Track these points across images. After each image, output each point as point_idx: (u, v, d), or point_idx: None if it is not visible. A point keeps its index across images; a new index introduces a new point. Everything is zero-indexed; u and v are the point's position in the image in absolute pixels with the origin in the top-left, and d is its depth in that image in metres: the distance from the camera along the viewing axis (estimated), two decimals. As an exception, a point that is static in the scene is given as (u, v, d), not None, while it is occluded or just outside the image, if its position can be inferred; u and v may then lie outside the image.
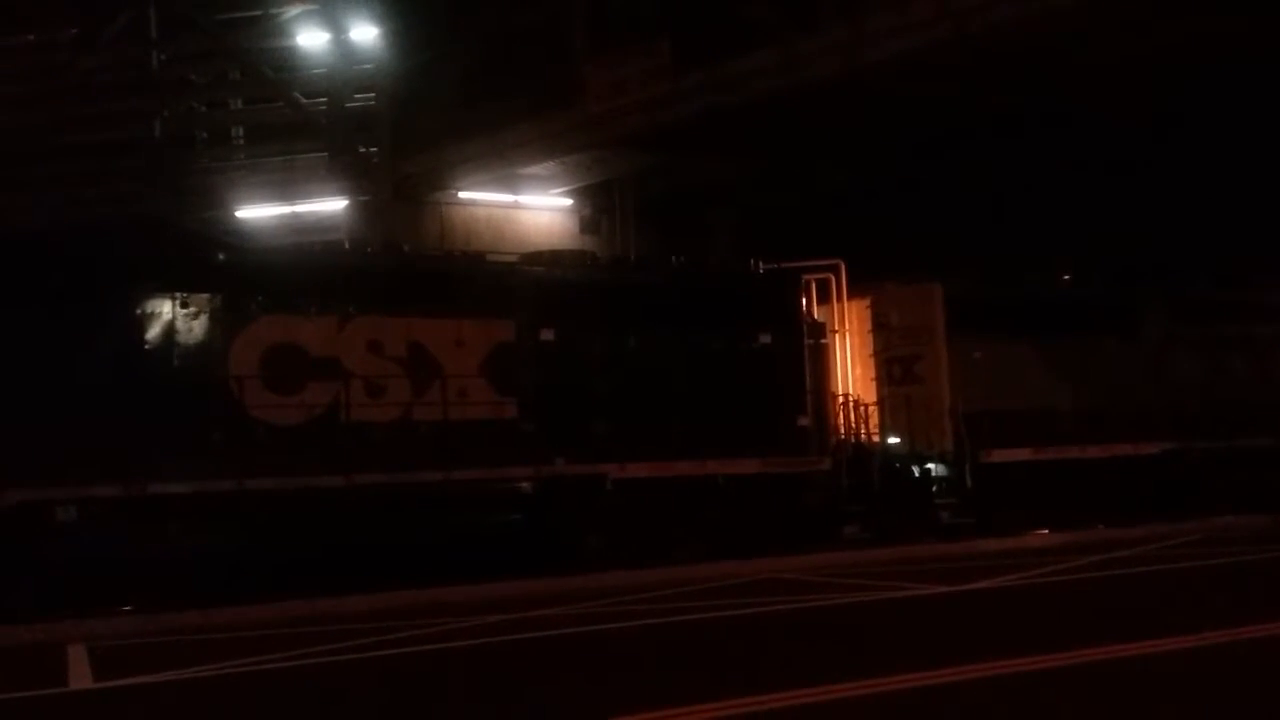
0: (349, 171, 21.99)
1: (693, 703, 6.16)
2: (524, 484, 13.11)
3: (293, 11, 22.83)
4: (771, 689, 6.40)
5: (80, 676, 7.87)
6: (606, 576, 11.97)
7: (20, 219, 20.13)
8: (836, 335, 15.71)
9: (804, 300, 15.17)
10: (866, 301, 16.21)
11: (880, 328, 16.20)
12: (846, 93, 17.79)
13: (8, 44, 23.20)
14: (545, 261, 14.80)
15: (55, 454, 10.82)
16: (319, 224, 22.12)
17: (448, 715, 6.30)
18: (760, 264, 15.22)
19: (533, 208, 22.83)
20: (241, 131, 23.91)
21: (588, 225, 23.03)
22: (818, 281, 15.51)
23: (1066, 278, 18.43)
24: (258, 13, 23.08)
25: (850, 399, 15.65)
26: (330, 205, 22.20)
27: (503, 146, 20.86)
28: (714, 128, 19.27)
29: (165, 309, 11.87)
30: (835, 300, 15.68)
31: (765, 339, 14.69)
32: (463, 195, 22.22)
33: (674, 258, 15.60)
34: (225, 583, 11.12)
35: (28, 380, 10.97)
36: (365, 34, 22.71)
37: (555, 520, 13.12)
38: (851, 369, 15.99)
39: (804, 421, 14.57)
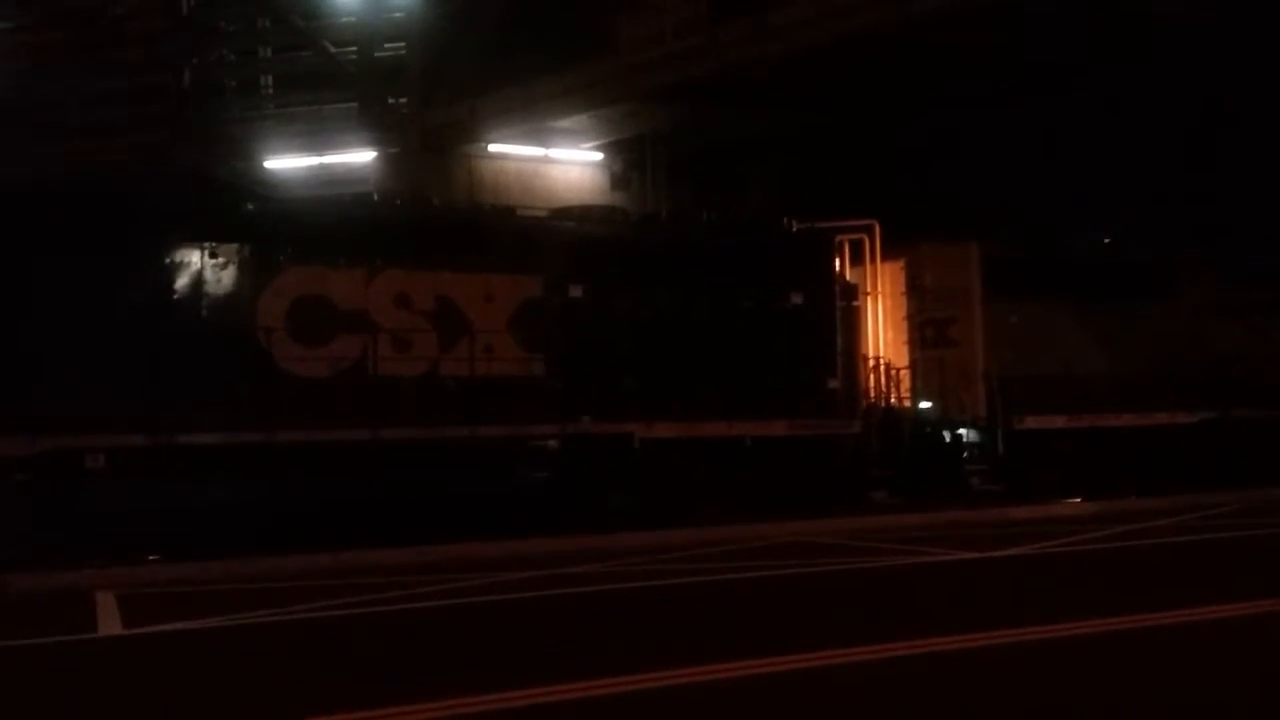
0: (378, 122, 21.84)
1: (715, 661, 6.10)
2: (550, 442, 13.02)
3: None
4: (789, 651, 6.32)
5: (109, 623, 7.92)
6: (632, 536, 11.93)
7: (50, 166, 20.13)
8: (869, 297, 15.47)
9: (837, 261, 14.94)
10: (900, 263, 15.93)
11: (914, 289, 15.94)
12: (888, 44, 17.41)
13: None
14: (575, 217, 14.61)
15: (85, 403, 10.83)
16: (347, 175, 22.03)
17: (469, 669, 6.26)
18: (793, 223, 14.98)
19: (563, 162, 22.62)
20: (271, 80, 23.77)
21: (618, 181, 22.80)
22: (851, 242, 15.25)
23: (1106, 241, 18.05)
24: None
25: (881, 362, 15.45)
26: (359, 156, 22.08)
27: (534, 98, 20.62)
28: (750, 81, 18.95)
29: (194, 259, 11.80)
30: (868, 261, 15.42)
31: (797, 299, 14.48)
32: (492, 148, 22.03)
33: (705, 215, 15.37)
34: (251, 534, 11.14)
35: (58, 329, 10.95)
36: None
37: (581, 479, 13.04)
38: (883, 331, 15.76)
39: (834, 384, 14.38)
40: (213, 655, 7.04)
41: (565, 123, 21.29)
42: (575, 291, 13.43)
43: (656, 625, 7.68)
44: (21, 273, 11.01)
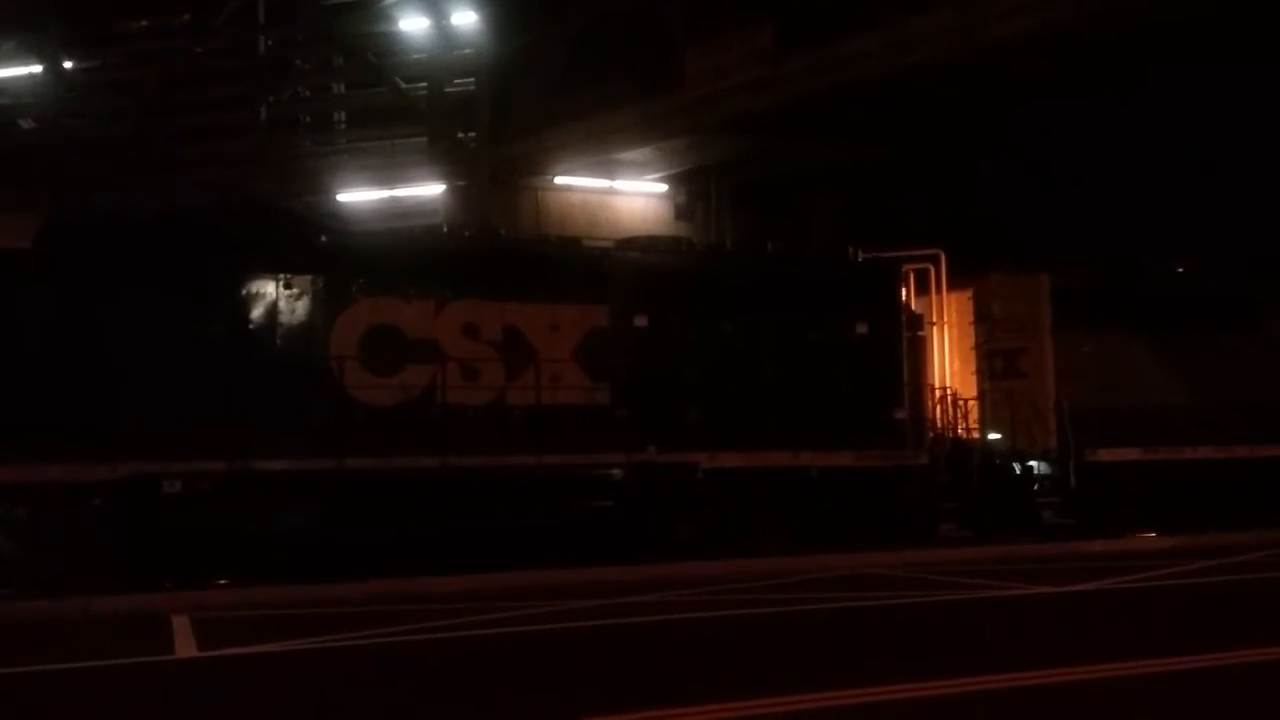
0: (447, 156, 22.22)
1: (787, 693, 6.04)
2: (615, 470, 13.06)
3: (397, -2, 23.13)
4: (858, 685, 6.24)
5: (186, 645, 8.07)
6: (696, 566, 11.90)
7: (133, 200, 20.76)
8: (935, 327, 15.32)
9: (902, 290, 14.83)
10: (968, 293, 15.76)
11: (982, 320, 15.74)
12: (955, 75, 17.32)
13: (126, 29, 23.94)
14: (640, 247, 14.70)
15: (164, 429, 11.11)
16: (417, 208, 22.42)
17: (541, 695, 6.29)
18: (858, 252, 14.92)
19: (628, 193, 22.78)
20: (344, 116, 24.31)
21: (683, 211, 22.90)
22: (917, 272, 15.15)
23: (1180, 269, 17.69)
24: (361, -1, 23.44)
25: (949, 393, 15.27)
26: (428, 189, 22.46)
27: (600, 131, 20.84)
28: (815, 112, 18.97)
29: (269, 290, 12.09)
30: (935, 291, 15.29)
31: (862, 329, 14.39)
32: (558, 180, 22.28)
33: (770, 245, 15.38)
34: (322, 560, 11.30)
35: (139, 358, 11.26)
36: (465, 19, 22.89)
37: (646, 508, 13.05)
38: (951, 362, 15.59)
39: (900, 415, 14.25)
40: (287, 679, 7.14)
41: (630, 155, 21.47)
42: (640, 321, 13.50)
43: (718, 657, 7.64)
44: (105, 303, 11.35)
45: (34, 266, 11.16)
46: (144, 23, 23.99)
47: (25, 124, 24.77)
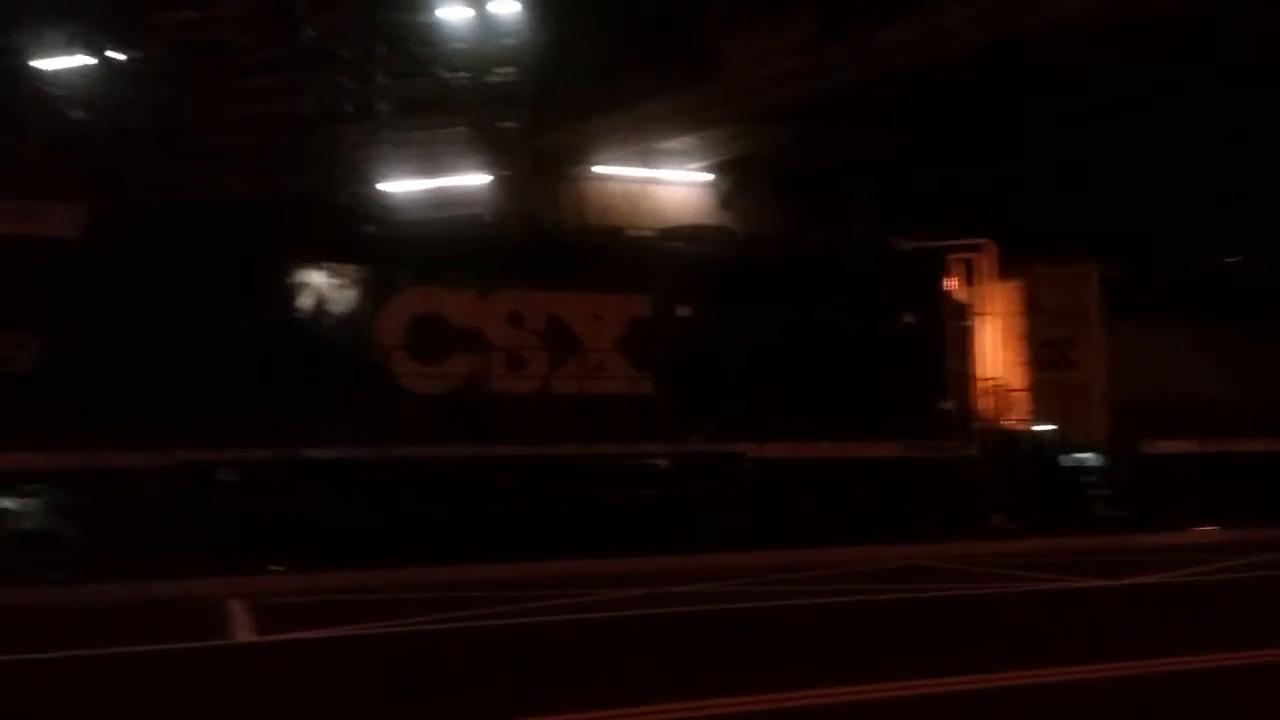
0: (490, 146, 22.29)
1: (831, 685, 6.02)
2: (660, 460, 13.08)
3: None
4: (902, 677, 6.21)
5: (243, 630, 8.17)
6: (741, 556, 11.89)
7: (181, 192, 21.02)
8: (983, 317, 15.18)
9: (949, 280, 14.71)
10: (1016, 283, 15.59)
11: (1030, 310, 15.58)
12: (997, 62, 17.13)
13: (172, 20, 24.20)
14: (683, 237, 14.69)
15: (217, 418, 11.26)
16: (461, 197, 22.50)
17: (604, 680, 6.32)
18: (903, 242, 14.82)
19: (670, 183, 22.75)
20: (387, 106, 24.44)
21: (725, 200, 22.85)
22: (963, 261, 15.01)
23: (1235, 261, 17.41)
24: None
25: (996, 383, 15.13)
26: (472, 179, 22.54)
27: (641, 120, 20.83)
28: (857, 101, 18.84)
29: (316, 279, 12.21)
30: (982, 281, 15.14)
31: (908, 319, 14.31)
32: (601, 170, 22.28)
33: (813, 234, 15.33)
34: (371, 546, 11.41)
35: (192, 346, 11.39)
36: (507, 8, 22.92)
37: (690, 498, 13.06)
38: (998, 352, 15.44)
39: (947, 405, 14.16)
40: (345, 663, 7.22)
41: (672, 144, 21.44)
42: (684, 311, 13.50)
43: (766, 647, 7.63)
44: (157, 292, 11.49)
45: (84, 256, 11.29)
46: (190, 13, 24.22)
47: (75, 115, 25.10)
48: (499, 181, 22.13)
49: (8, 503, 10.76)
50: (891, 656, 7.09)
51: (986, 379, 15.06)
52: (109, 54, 24.48)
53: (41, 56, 24.75)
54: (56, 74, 25.08)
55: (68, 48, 24.55)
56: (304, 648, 7.60)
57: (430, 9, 23.49)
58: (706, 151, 21.75)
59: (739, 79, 19.10)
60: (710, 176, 22.87)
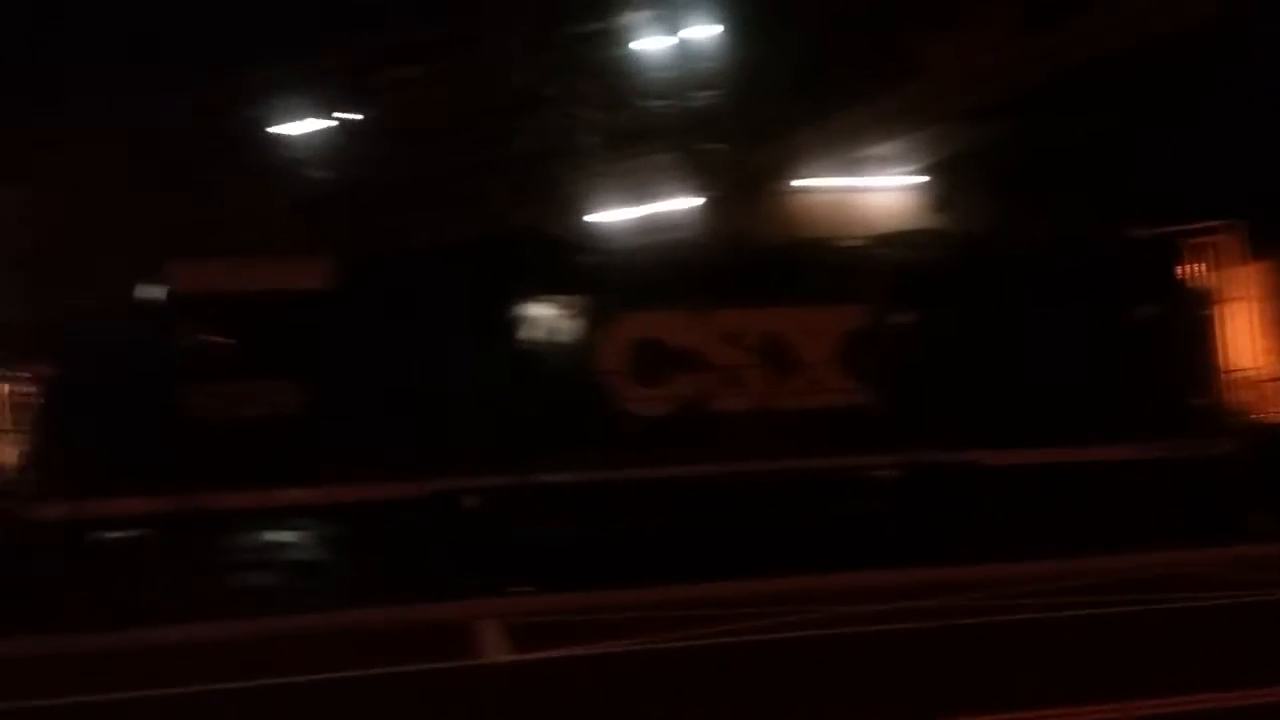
0: (695, 169, 22.64)
1: (1096, 702, 5.86)
2: (885, 472, 12.95)
3: (637, 19, 23.82)
4: (1169, 693, 5.95)
5: (496, 650, 8.66)
6: (978, 569, 11.58)
7: (413, 238, 22.43)
8: (1230, 304, 14.22)
9: (1190, 267, 13.88)
10: (1271, 264, 14.49)
11: (1285, 293, 14.45)
12: (1210, 39, 16.08)
13: (398, 78, 25.90)
14: (895, 243, 14.50)
15: (460, 447, 12.01)
16: (670, 222, 22.97)
17: (837, 701, 6.38)
18: (1135, 230, 14.10)
19: (878, 189, 22.46)
20: (594, 139, 25.23)
21: (938, 203, 22.35)
22: (1205, 246, 14.11)
23: None
24: (604, 25, 24.28)
25: (1249, 374, 14.12)
26: (680, 203, 22.97)
27: (845, 130, 20.70)
28: (1068, 88, 18.09)
29: (542, 312, 12.83)
30: (1227, 265, 14.19)
31: (1146, 311, 13.60)
32: (807, 182, 22.26)
33: (1036, 229, 14.79)
34: (607, 566, 11.84)
35: (440, 379, 12.15)
36: (704, 33, 23.29)
37: (919, 509, 12.85)
38: (1250, 341, 14.41)
39: (1194, 401, 13.34)
40: (597, 681, 7.48)
41: (878, 150, 21.18)
42: (904, 318, 13.34)
43: (1028, 661, 7.45)
44: (399, 332, 12.29)
45: (338, 304, 12.29)
46: (411, 70, 25.83)
47: (316, 175, 27.22)
48: (707, 203, 22.45)
49: (280, 535, 11.81)
50: (1164, 670, 6.78)
51: (1237, 370, 14.09)
52: (342, 115, 26.42)
53: (283, 123, 27.00)
54: (297, 138, 27.30)
55: (306, 113, 26.68)
56: (555, 666, 7.96)
57: (631, 42, 24.15)
58: (914, 155, 21.36)
59: (942, 78, 18.71)
60: (920, 179, 22.44)
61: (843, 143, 20.96)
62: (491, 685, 7.66)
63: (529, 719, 6.60)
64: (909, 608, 9.45)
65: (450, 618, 10.31)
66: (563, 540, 12.09)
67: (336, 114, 26.16)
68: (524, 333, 12.75)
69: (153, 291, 12.16)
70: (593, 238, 19.47)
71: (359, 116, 26.55)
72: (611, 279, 13.30)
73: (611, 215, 23.30)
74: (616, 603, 10.57)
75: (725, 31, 22.86)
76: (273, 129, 26.88)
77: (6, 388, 14.97)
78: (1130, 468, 12.97)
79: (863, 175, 22.12)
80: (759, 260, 14.17)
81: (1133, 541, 12.34)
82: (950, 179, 22.38)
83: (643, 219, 23.22)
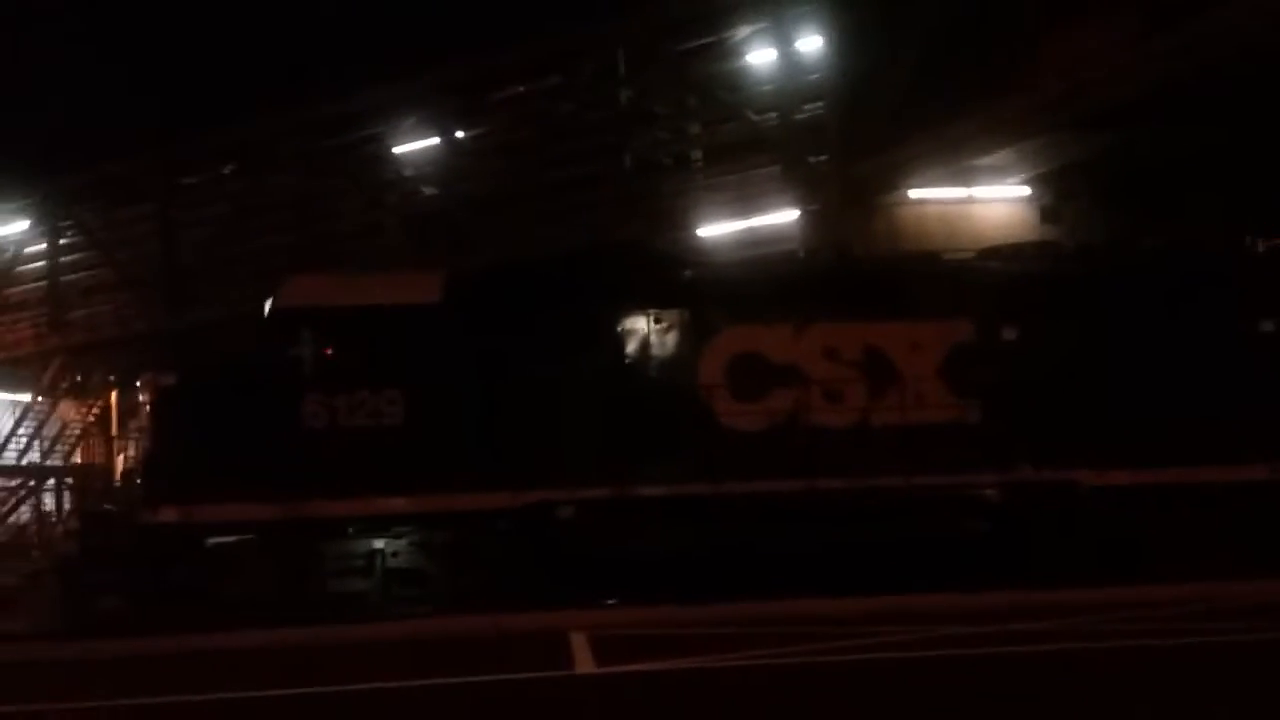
0: (800, 181, 22.49)
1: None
2: (989, 490, 12.63)
3: (743, 33, 23.82)
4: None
5: (585, 661, 8.69)
6: (1083, 592, 11.17)
7: (515, 251, 22.81)
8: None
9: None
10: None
11: None
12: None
13: (506, 96, 26.42)
14: (1004, 255, 14.16)
15: (556, 459, 12.13)
16: (773, 235, 22.86)
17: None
18: (1258, 241, 13.48)
19: (987, 200, 21.94)
20: (700, 154, 25.31)
21: (1048, 214, 21.71)
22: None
23: None
24: (711, 39, 24.33)
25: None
26: (783, 216, 22.84)
27: (953, 139, 20.27)
28: (1184, 96, 17.38)
29: (641, 325, 12.89)
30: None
31: (1268, 326, 12.98)
32: (912, 194, 21.88)
33: (1151, 240, 14.27)
34: (700, 581, 11.79)
35: (538, 393, 12.30)
36: (811, 45, 23.14)
37: (1024, 530, 12.49)
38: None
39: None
40: (681, 696, 7.42)
41: (987, 160, 20.70)
42: (1009, 333, 13.01)
43: (1141, 691, 7.14)
44: (502, 345, 12.47)
45: (441, 318, 12.54)
46: (520, 89, 26.31)
47: (427, 191, 27.93)
48: (810, 216, 22.27)
49: (381, 543, 12.10)
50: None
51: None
52: (454, 133, 27.06)
53: (398, 143, 27.78)
54: (409, 156, 28.05)
55: (419, 131, 27.40)
56: (640, 680, 7.93)
57: (737, 55, 24.16)
58: (1024, 164, 20.80)
59: (1055, 85, 18.17)
60: (1030, 190, 21.85)
61: (950, 153, 20.54)
62: (579, 697, 7.67)
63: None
64: (1013, 631, 9.16)
65: (541, 627, 10.38)
66: (655, 554, 12.08)
67: (448, 132, 26.81)
68: (624, 345, 12.81)
69: (270, 305, 12.61)
70: (694, 251, 19.47)
71: (470, 134, 27.17)
72: (713, 293, 13.29)
73: (714, 229, 23.28)
74: (709, 618, 10.51)
75: (833, 42, 22.67)
76: (390, 147, 27.70)
77: (129, 396, 15.68)
78: (1251, 490, 12.38)
79: (972, 185, 21.63)
80: (862, 274, 14.01)
81: (1249, 567, 11.73)
82: (1061, 189, 21.73)
83: (744, 233, 23.15)
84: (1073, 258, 14.45)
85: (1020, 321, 13.02)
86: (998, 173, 21.30)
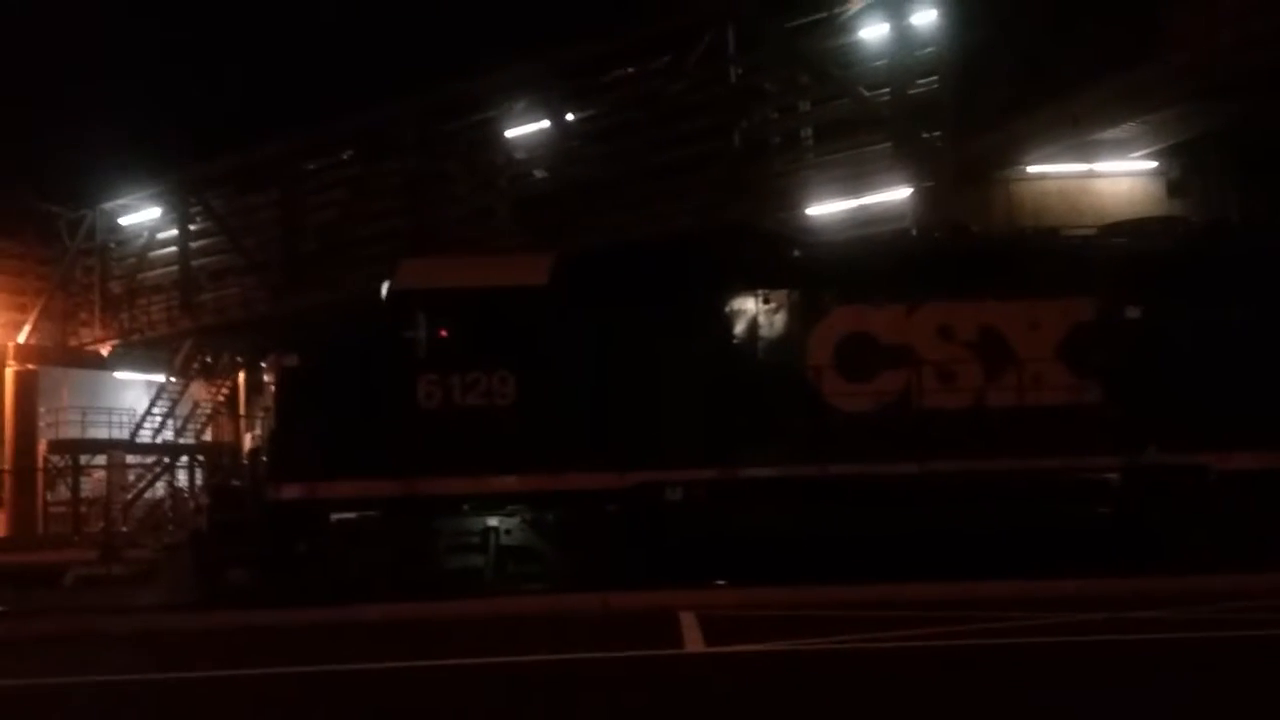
0: (913, 159, 22.03)
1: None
2: (1110, 474, 12.25)
3: (855, 7, 23.38)
4: None
5: (694, 641, 8.77)
6: (1210, 579, 10.79)
7: (630, 233, 22.91)
8: None
9: None
10: None
11: None
12: None
13: (616, 78, 26.48)
14: (1127, 232, 13.69)
15: (665, 440, 12.19)
16: (884, 214, 22.47)
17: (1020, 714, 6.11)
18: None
19: (1110, 175, 21.16)
20: (810, 132, 24.97)
21: (1175, 188, 20.83)
22: None
23: None
24: (822, 15, 23.95)
25: None
26: (895, 194, 22.41)
27: (1074, 112, 19.57)
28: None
29: (750, 305, 12.85)
30: None
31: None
32: (1031, 169, 21.24)
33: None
34: (807, 563, 11.73)
35: (643, 373, 12.37)
36: (925, 18, 22.60)
37: (1147, 515, 12.09)
38: None
39: None
40: (786, 677, 7.48)
41: (1110, 133, 19.94)
42: (1132, 312, 12.59)
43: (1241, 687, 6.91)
44: (611, 325, 12.60)
45: (551, 299, 12.70)
46: (629, 70, 26.33)
47: (538, 174, 28.21)
48: (923, 193, 21.80)
49: (494, 521, 12.35)
50: None
51: None
52: (564, 116, 27.26)
53: (509, 126, 28.10)
54: (521, 139, 28.36)
55: (529, 114, 27.68)
56: (749, 660, 7.99)
57: (849, 31, 23.73)
58: (1151, 137, 19.95)
59: (1183, 54, 17.37)
60: (1156, 164, 20.98)
61: (1072, 126, 19.85)
62: (687, 675, 7.76)
63: (724, 710, 6.64)
64: (1132, 618, 8.91)
65: (650, 606, 10.49)
66: (763, 535, 12.06)
67: (558, 114, 27.02)
68: (733, 326, 12.79)
69: (385, 288, 12.95)
70: (804, 231, 19.26)
71: (580, 116, 27.34)
72: (823, 273, 13.17)
73: (824, 208, 22.98)
74: (816, 600, 10.49)
75: (947, 15, 22.10)
76: (501, 130, 28.06)
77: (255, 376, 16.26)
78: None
79: (1093, 160, 20.89)
80: (977, 252, 13.69)
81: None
82: (1189, 162, 20.82)
83: (855, 211, 22.80)
84: (1200, 234, 13.89)
85: (1144, 300, 12.58)
86: (1121, 146, 20.51)
